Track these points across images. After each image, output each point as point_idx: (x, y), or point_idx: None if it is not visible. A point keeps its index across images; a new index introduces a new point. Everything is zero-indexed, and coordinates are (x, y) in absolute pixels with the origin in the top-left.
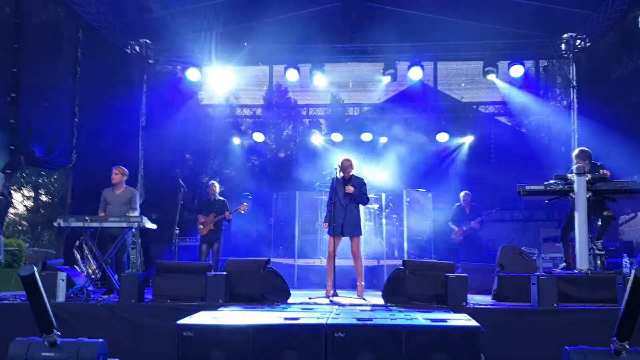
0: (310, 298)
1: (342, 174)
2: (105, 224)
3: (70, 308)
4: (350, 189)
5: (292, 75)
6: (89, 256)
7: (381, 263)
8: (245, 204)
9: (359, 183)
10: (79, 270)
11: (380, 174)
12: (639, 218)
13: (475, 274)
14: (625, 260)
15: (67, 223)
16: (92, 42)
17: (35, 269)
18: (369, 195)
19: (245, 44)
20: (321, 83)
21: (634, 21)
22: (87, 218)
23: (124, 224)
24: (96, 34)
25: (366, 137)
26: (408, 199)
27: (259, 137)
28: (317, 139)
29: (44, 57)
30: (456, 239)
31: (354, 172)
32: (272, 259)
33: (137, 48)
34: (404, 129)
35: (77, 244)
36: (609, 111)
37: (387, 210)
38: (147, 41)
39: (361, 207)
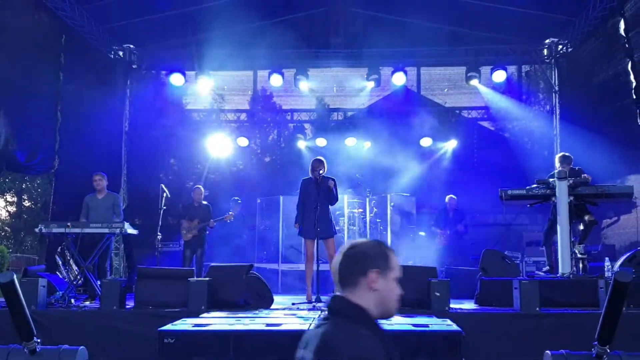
0: (293, 304)
1: (313, 175)
2: (87, 230)
3: (51, 315)
4: (331, 183)
5: (276, 81)
6: (71, 262)
7: None
8: (231, 212)
9: (331, 183)
10: (60, 277)
11: (364, 178)
12: (622, 222)
13: (459, 278)
14: (608, 264)
15: (48, 229)
16: (75, 47)
17: (14, 275)
18: (352, 200)
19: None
20: (305, 88)
21: (614, 27)
22: (68, 224)
23: (106, 230)
24: (79, 39)
25: (350, 141)
26: (392, 204)
27: (243, 141)
28: (301, 143)
29: (27, 62)
30: (440, 243)
31: (323, 172)
32: (255, 264)
33: (121, 53)
34: (388, 134)
35: (59, 250)
36: (591, 116)
37: (371, 215)
38: (131, 46)
39: (345, 210)
